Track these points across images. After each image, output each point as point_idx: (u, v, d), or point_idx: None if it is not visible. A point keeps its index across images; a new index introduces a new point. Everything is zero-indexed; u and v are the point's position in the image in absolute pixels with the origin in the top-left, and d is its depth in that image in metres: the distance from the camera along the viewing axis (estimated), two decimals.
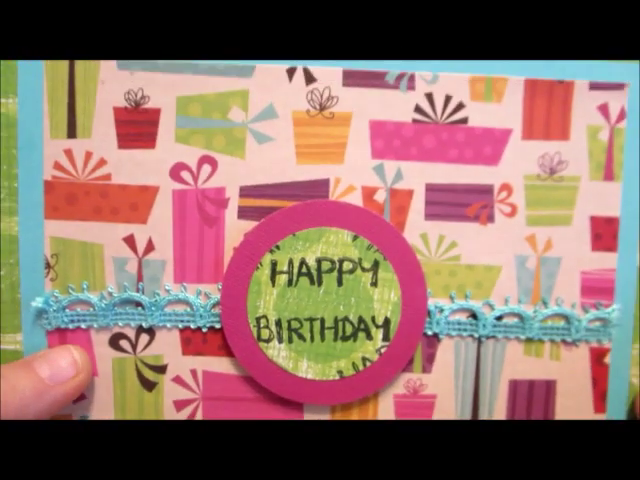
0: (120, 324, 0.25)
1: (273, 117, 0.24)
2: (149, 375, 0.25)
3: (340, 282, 0.25)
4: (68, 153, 0.24)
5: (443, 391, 0.26)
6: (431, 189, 0.25)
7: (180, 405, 0.25)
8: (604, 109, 0.25)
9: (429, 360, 0.26)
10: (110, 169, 0.24)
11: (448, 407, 0.26)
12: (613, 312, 0.26)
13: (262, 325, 0.25)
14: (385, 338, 0.25)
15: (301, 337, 0.25)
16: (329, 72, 0.24)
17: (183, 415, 0.25)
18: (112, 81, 0.24)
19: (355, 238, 0.25)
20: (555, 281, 0.26)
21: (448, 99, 0.25)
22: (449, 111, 0.25)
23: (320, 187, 0.25)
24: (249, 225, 0.25)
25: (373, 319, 0.25)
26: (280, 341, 0.25)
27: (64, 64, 0.24)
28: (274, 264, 0.24)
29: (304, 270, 0.25)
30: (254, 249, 0.24)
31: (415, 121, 0.25)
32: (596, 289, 0.26)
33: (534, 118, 0.25)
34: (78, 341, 0.25)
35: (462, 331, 0.26)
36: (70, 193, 0.24)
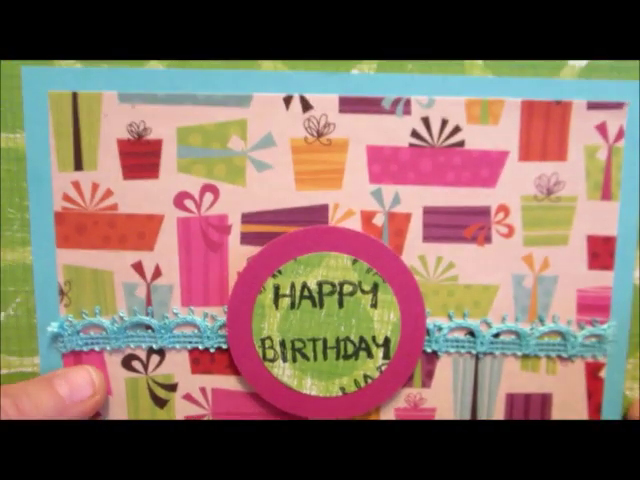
0: (132, 346, 0.26)
1: (272, 145, 0.25)
2: (160, 393, 0.26)
3: (341, 304, 0.25)
4: (76, 185, 0.25)
5: (442, 404, 0.27)
6: (429, 212, 0.26)
7: None
8: (602, 128, 0.25)
9: (428, 376, 0.27)
10: (116, 199, 0.25)
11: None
12: (609, 329, 0.26)
13: (267, 346, 0.26)
14: (385, 356, 0.26)
15: (305, 356, 0.26)
16: (325, 99, 0.25)
17: None
18: (114, 114, 0.24)
19: (355, 262, 0.25)
20: (552, 299, 0.26)
21: (444, 123, 0.25)
22: (445, 135, 0.25)
23: (319, 212, 0.25)
24: (251, 250, 0.25)
25: (374, 338, 0.26)
26: (284, 360, 0.26)
27: (68, 95, 0.24)
28: (277, 288, 0.25)
29: (306, 293, 0.25)
30: (257, 274, 0.25)
31: (412, 145, 0.25)
32: (592, 306, 0.26)
33: (531, 139, 0.25)
34: (92, 362, 0.26)
35: (460, 348, 0.26)
36: (79, 223, 0.25)
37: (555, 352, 0.26)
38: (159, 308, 0.26)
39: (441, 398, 0.27)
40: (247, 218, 0.25)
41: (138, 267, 0.26)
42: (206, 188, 0.25)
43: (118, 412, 0.26)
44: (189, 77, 0.24)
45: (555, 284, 0.26)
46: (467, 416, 0.27)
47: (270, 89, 0.24)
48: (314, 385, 0.26)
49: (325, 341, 0.26)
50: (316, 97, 0.25)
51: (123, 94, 0.24)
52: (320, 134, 0.25)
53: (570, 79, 0.25)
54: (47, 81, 0.24)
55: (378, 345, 0.26)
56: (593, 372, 0.27)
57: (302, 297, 0.25)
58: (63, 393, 0.24)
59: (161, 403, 0.27)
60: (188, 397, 0.27)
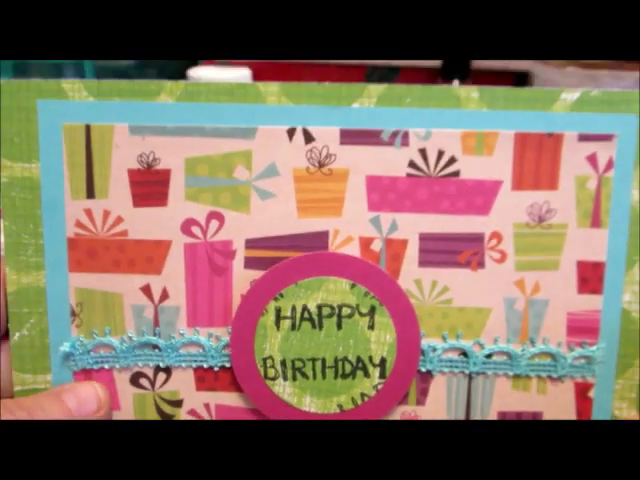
0: (140, 364, 0.27)
1: (275, 175, 0.26)
2: (166, 409, 0.28)
3: (339, 326, 0.27)
4: (88, 212, 0.26)
5: None
6: (424, 238, 0.27)
7: None
8: (592, 159, 0.26)
9: (423, 394, 0.28)
10: (126, 226, 0.26)
11: None
12: (597, 350, 0.27)
13: (268, 365, 0.27)
14: (382, 376, 0.27)
15: (304, 375, 0.27)
16: (327, 132, 0.26)
17: None
18: (125, 145, 0.26)
19: (353, 286, 0.26)
20: (542, 321, 0.27)
21: (440, 154, 0.26)
22: (441, 165, 0.26)
23: (320, 238, 0.27)
24: (255, 274, 0.27)
25: (370, 359, 0.27)
26: (285, 379, 0.27)
27: (81, 127, 0.25)
28: (278, 310, 0.27)
29: (306, 315, 0.27)
30: (260, 297, 0.26)
31: (409, 175, 0.26)
32: (582, 329, 0.27)
33: (524, 169, 0.26)
34: (102, 379, 0.27)
35: (454, 368, 0.28)
36: (91, 248, 0.26)
37: (545, 372, 0.28)
38: (166, 329, 0.27)
39: (435, 415, 0.28)
40: (251, 244, 0.27)
41: (146, 290, 0.27)
42: (212, 215, 0.26)
43: None
44: (197, 110, 0.25)
45: (546, 307, 0.27)
46: None
47: (274, 122, 0.26)
48: (313, 403, 0.27)
49: (324, 361, 0.27)
50: (318, 129, 0.26)
51: (134, 126, 0.25)
52: (321, 164, 0.26)
53: (562, 112, 0.26)
54: (61, 114, 0.25)
55: (375, 365, 0.27)
56: (582, 392, 0.28)
57: (302, 319, 0.27)
58: (71, 407, 0.25)
59: (167, 418, 0.28)
60: (193, 412, 0.28)
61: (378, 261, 0.27)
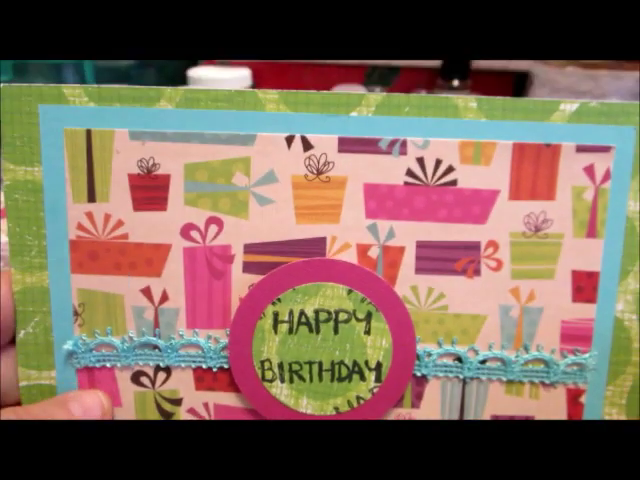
0: (140, 363, 0.28)
1: (274, 181, 0.26)
2: (166, 407, 0.28)
3: (336, 330, 0.27)
4: (89, 215, 0.27)
5: None
6: (421, 246, 0.27)
7: None
8: (590, 170, 0.26)
9: (418, 397, 0.28)
10: (127, 229, 0.27)
11: None
12: (589, 358, 0.28)
13: (266, 367, 0.27)
14: (377, 379, 0.28)
15: (301, 378, 0.28)
16: (325, 139, 0.26)
17: None
18: (126, 150, 0.26)
19: (350, 292, 0.27)
20: (537, 329, 0.28)
21: (438, 163, 0.26)
22: (439, 174, 0.26)
23: (317, 245, 0.27)
24: (253, 279, 0.27)
25: (366, 363, 0.27)
26: (282, 381, 0.28)
27: (82, 132, 0.26)
28: (276, 314, 0.27)
29: (303, 320, 0.27)
30: (258, 301, 0.27)
31: (407, 184, 0.26)
32: (575, 336, 0.28)
33: (521, 180, 0.26)
34: (104, 377, 0.28)
35: (448, 373, 0.28)
36: (92, 251, 0.27)
37: (538, 378, 0.28)
38: (166, 330, 0.28)
39: (429, 418, 0.29)
40: (249, 249, 0.27)
41: (147, 292, 0.27)
42: (211, 220, 0.27)
43: None
44: (196, 117, 0.26)
45: (540, 315, 0.28)
46: None
47: (273, 129, 0.26)
48: (309, 404, 0.28)
49: (321, 364, 0.27)
50: (316, 137, 0.26)
51: (134, 132, 0.26)
52: (320, 172, 0.26)
53: (560, 123, 0.26)
54: (62, 119, 0.26)
55: (370, 369, 0.27)
56: (574, 398, 0.28)
57: (300, 323, 0.27)
58: (77, 414, 0.26)
59: (167, 415, 0.29)
60: (192, 411, 0.28)
61: (375, 268, 0.27)
